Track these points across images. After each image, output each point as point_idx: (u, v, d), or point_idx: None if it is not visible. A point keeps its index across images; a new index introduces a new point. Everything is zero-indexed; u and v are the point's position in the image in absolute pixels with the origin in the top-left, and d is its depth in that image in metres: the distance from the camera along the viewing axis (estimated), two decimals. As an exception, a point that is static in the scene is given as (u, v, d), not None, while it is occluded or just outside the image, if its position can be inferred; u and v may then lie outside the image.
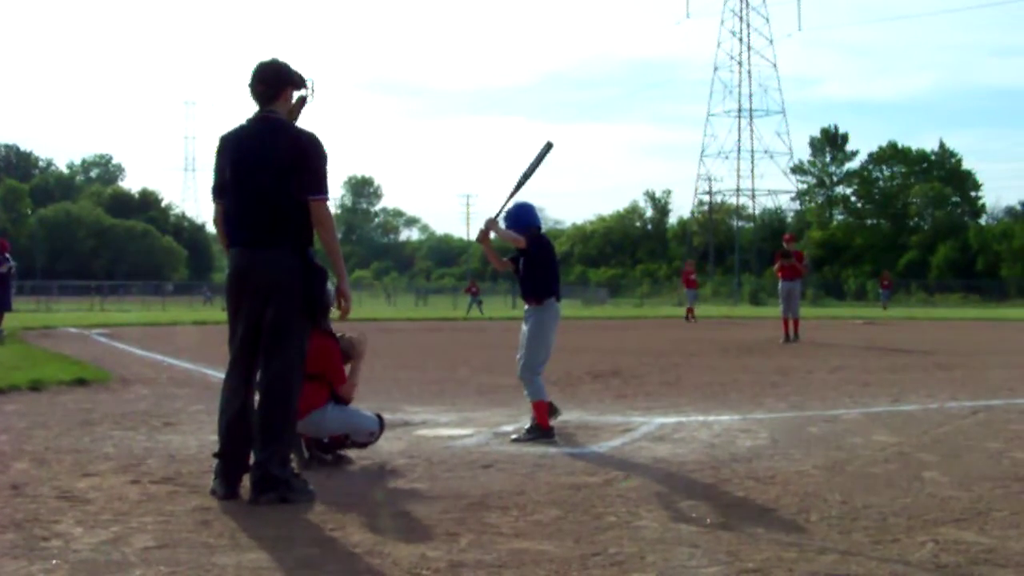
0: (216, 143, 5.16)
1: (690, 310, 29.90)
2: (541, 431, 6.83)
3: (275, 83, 5.04)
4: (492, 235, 7.10)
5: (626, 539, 4.21)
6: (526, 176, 6.97)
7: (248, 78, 5.06)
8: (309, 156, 4.96)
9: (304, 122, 5.27)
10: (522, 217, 7.13)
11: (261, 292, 4.93)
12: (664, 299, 64.74)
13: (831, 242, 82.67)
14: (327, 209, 4.99)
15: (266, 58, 5.15)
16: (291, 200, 4.91)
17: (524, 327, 7.13)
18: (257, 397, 5.04)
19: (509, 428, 7.31)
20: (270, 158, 4.92)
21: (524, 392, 7.08)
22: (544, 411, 6.93)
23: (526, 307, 7.19)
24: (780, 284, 19.00)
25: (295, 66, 5.19)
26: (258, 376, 5.03)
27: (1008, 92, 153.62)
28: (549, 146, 6.99)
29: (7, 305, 19.13)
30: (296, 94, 5.15)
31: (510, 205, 7.09)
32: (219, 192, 5.15)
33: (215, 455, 5.10)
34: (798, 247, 19.93)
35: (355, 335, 6.24)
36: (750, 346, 17.75)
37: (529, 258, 7.11)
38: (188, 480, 5.41)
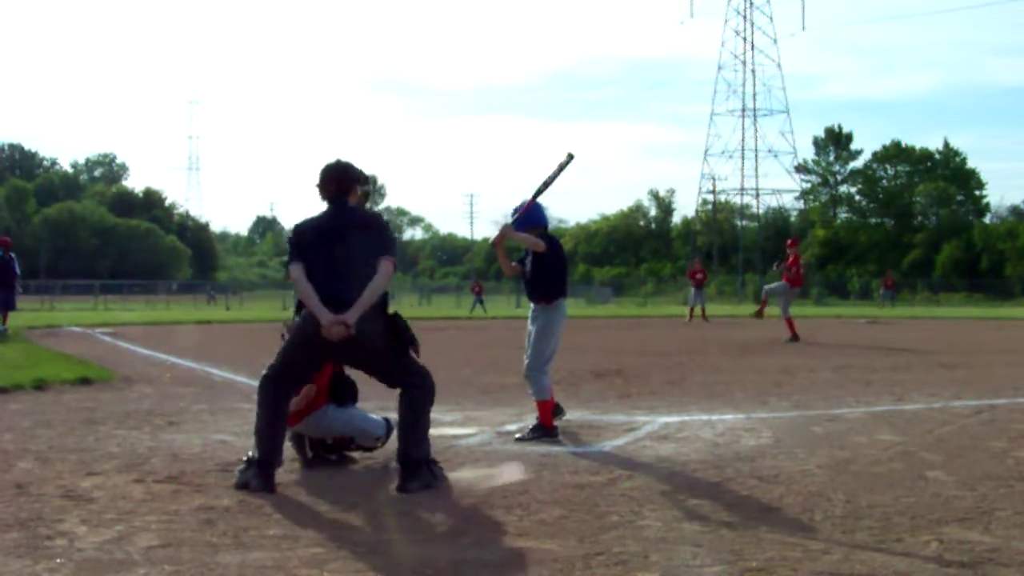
0: (292, 232, 5.58)
1: (692, 309, 29.84)
2: (545, 430, 6.83)
3: (347, 183, 5.57)
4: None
5: (630, 538, 4.21)
6: (545, 185, 6.91)
7: (317, 179, 5.53)
8: (381, 228, 5.61)
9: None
10: (532, 216, 7.10)
11: (345, 347, 5.32)
12: (668, 298, 64.62)
13: (835, 241, 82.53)
14: (391, 268, 5.50)
15: (331, 160, 5.60)
16: (370, 266, 5.39)
17: (531, 327, 7.11)
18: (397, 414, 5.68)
19: (513, 427, 7.31)
20: (352, 234, 5.46)
21: (529, 390, 7.07)
22: (548, 410, 6.93)
23: (533, 306, 7.18)
24: None
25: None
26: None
27: (1013, 91, 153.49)
28: (571, 157, 6.85)
29: (11, 304, 19.19)
30: (360, 189, 5.69)
31: (519, 205, 7.07)
32: (297, 257, 5.46)
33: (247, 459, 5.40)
34: (800, 251, 19.93)
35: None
36: (753, 345, 17.73)
37: (539, 259, 7.08)
38: (192, 479, 5.43)
